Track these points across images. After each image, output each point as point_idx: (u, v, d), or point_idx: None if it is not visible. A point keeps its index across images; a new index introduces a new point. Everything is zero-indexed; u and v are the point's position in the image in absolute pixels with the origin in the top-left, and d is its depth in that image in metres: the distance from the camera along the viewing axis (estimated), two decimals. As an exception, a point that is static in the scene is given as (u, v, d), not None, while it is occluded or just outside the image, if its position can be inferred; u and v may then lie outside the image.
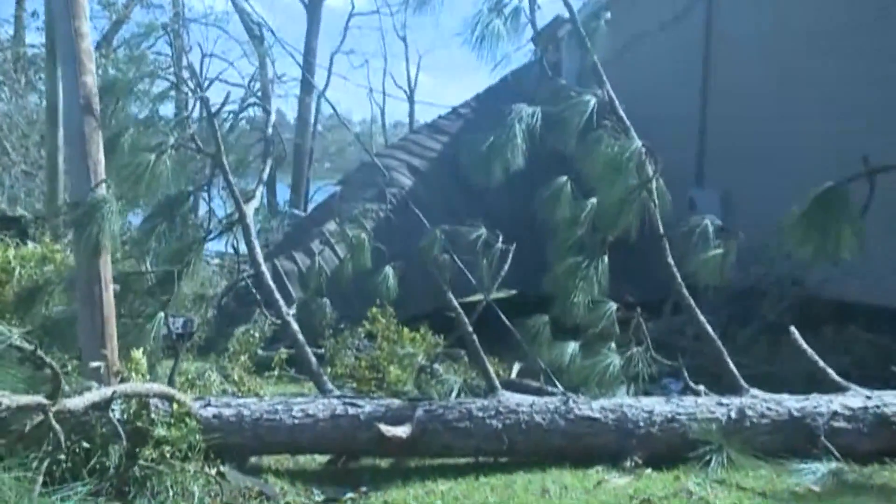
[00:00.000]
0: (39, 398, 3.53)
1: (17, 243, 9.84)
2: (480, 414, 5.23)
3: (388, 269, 7.72)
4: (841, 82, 8.99)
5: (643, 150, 5.64)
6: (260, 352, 8.23)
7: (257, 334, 8.07)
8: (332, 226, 10.54)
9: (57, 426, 3.64)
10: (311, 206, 21.75)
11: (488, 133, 6.13)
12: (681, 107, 11.81)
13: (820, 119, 9.31)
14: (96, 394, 3.96)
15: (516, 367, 6.97)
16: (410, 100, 33.26)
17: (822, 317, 8.40)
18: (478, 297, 7.11)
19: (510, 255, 6.91)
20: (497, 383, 5.48)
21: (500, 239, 6.88)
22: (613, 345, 5.99)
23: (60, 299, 6.71)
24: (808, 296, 8.78)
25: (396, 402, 5.29)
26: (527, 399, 5.39)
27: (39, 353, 3.48)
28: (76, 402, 3.81)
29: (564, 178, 6.29)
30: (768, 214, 7.05)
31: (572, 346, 6.10)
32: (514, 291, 9.39)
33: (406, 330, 7.33)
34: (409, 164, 11.65)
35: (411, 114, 33.67)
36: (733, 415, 5.29)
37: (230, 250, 9.88)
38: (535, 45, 7.84)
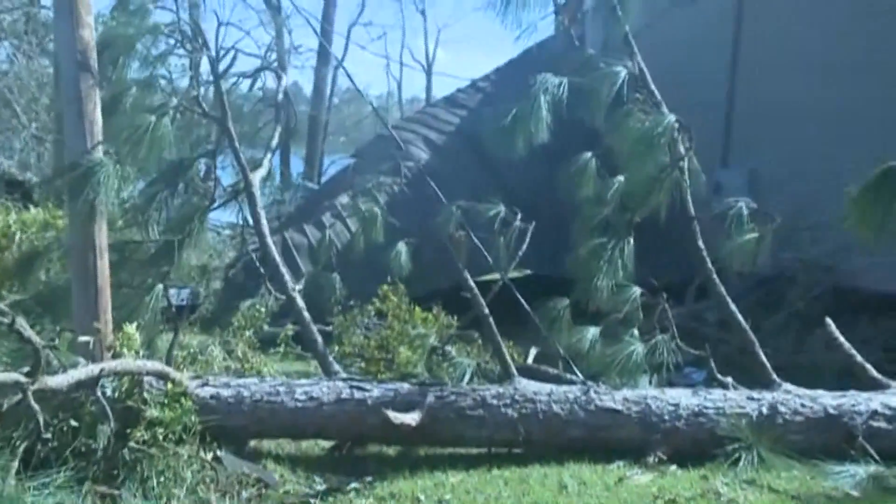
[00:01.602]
0: (17, 375, 3.24)
1: (19, 208, 9.59)
2: (495, 402, 4.91)
3: (402, 245, 7.37)
4: (874, 62, 8.57)
5: (676, 125, 5.27)
6: (266, 327, 7.94)
7: (263, 309, 7.75)
8: (344, 199, 10.21)
9: (36, 406, 3.35)
10: (324, 180, 21.48)
11: (510, 105, 5.78)
12: (707, 84, 11.38)
13: (852, 97, 8.91)
14: (82, 371, 3.66)
15: (532, 351, 6.63)
16: (428, 74, 32.83)
17: (855, 307, 8.04)
18: (492, 276, 6.81)
19: (529, 234, 6.56)
20: (513, 370, 5.16)
21: (519, 217, 6.53)
22: (636, 331, 5.66)
23: (61, 266, 6.43)
24: (839, 284, 8.42)
25: (406, 386, 4.98)
26: (545, 387, 5.07)
27: (17, 325, 3.17)
28: (59, 380, 3.52)
29: (589, 153, 5.94)
30: (798, 196, 6.65)
31: (592, 332, 5.77)
32: (528, 272, 9.08)
33: (418, 309, 7.00)
34: (425, 137, 11.30)
35: (428, 88, 33.23)
36: (765, 410, 4.95)
37: (241, 221, 9.64)
38: (558, 17, 7.44)
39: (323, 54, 22.93)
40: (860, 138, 8.74)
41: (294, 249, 9.48)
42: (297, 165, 22.90)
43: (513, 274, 6.67)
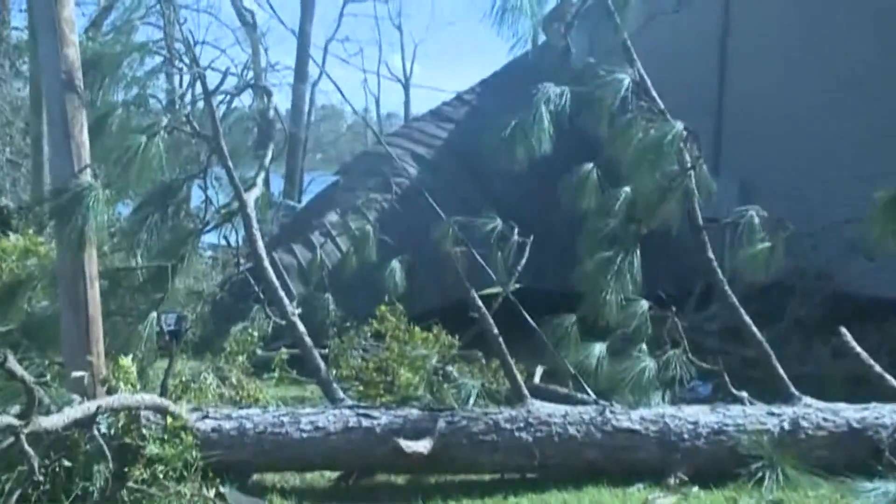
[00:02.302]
0: (9, 419, 3.01)
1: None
2: (508, 426, 4.72)
3: (395, 263, 7.19)
4: (867, 70, 8.51)
5: (684, 133, 5.12)
6: (259, 351, 7.70)
7: (256, 333, 7.51)
8: (333, 217, 10.01)
9: (29, 450, 3.12)
10: (305, 197, 21.23)
11: (503, 116, 5.62)
12: (696, 92, 11.30)
13: (844, 105, 8.84)
14: (78, 409, 3.44)
15: (539, 370, 6.43)
16: (406, 88, 32.72)
17: (856, 313, 7.92)
18: (489, 291, 6.63)
19: (527, 248, 6.40)
20: (525, 391, 4.97)
21: (516, 231, 6.35)
22: (645, 346, 5.50)
23: (44, 295, 6.16)
24: (839, 291, 8.31)
25: (415, 412, 4.77)
26: (559, 409, 4.88)
27: (9, 364, 2.94)
28: (54, 421, 3.29)
29: (590, 164, 5.79)
30: (791, 205, 6.52)
31: (599, 348, 5.59)
32: (518, 285, 8.94)
33: (418, 329, 6.79)
34: (412, 152, 11.12)
35: (407, 102, 33.16)
36: (786, 426, 4.79)
37: (223, 242, 9.38)
38: (554, 25, 7.32)
39: (300, 71, 22.75)
40: (852, 146, 8.68)
41: (283, 270, 9.24)
42: (277, 183, 22.66)
43: (496, 290, 6.48)
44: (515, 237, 6.33)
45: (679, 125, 5.07)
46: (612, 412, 4.85)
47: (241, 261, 12.87)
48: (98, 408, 3.58)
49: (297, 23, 22.92)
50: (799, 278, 8.56)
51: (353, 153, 29.31)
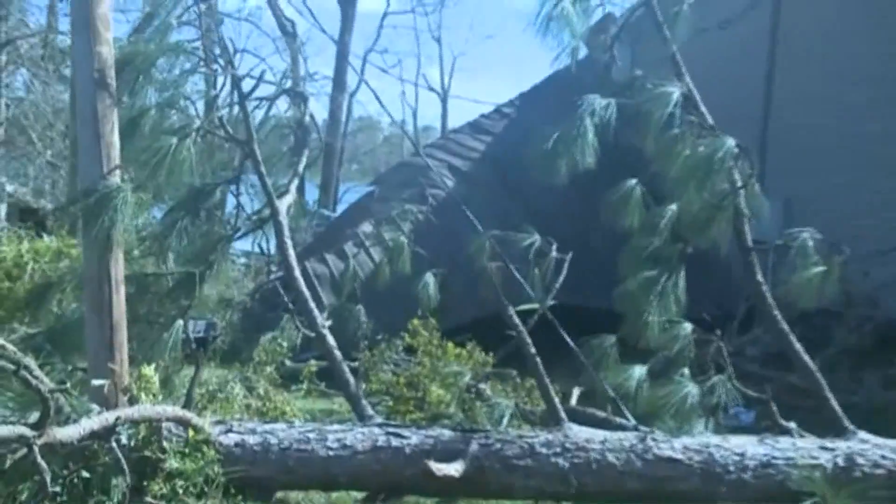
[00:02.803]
0: (22, 429, 2.85)
1: (32, 236, 9.28)
2: (544, 450, 4.49)
3: (429, 276, 6.98)
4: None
5: (736, 150, 4.89)
6: (288, 362, 7.56)
7: (285, 343, 7.36)
8: (367, 227, 9.88)
9: (42, 463, 2.95)
10: (339, 207, 21.19)
11: (547, 129, 5.42)
12: (741, 110, 11.02)
13: (890, 123, 8.54)
14: (95, 420, 3.28)
15: (575, 392, 6.20)
16: (444, 101, 32.66)
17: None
18: (524, 308, 6.44)
19: (565, 265, 6.17)
20: (563, 414, 4.75)
21: (554, 247, 6.13)
22: (687, 370, 5.26)
23: (74, 298, 6.06)
24: (889, 319, 7.99)
25: (447, 432, 4.56)
26: (597, 434, 4.65)
27: (23, 373, 2.79)
28: (70, 432, 3.13)
29: (634, 180, 5.56)
30: (836, 227, 6.27)
31: (639, 371, 5.34)
32: (552, 302, 8.74)
33: (451, 345, 6.60)
34: (450, 164, 10.96)
35: (444, 115, 33.11)
36: (840, 462, 4.51)
37: (257, 249, 9.26)
38: (586, 42, 7.13)
39: (338, 81, 22.74)
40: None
41: (315, 280, 9.12)
42: (311, 192, 22.64)
43: (534, 305, 6.28)
44: (553, 253, 6.11)
45: (731, 141, 4.84)
46: (653, 440, 4.61)
47: (273, 269, 12.79)
48: (117, 419, 3.43)
49: (337, 33, 23.00)
50: (846, 305, 8.25)
51: (388, 164, 29.33)
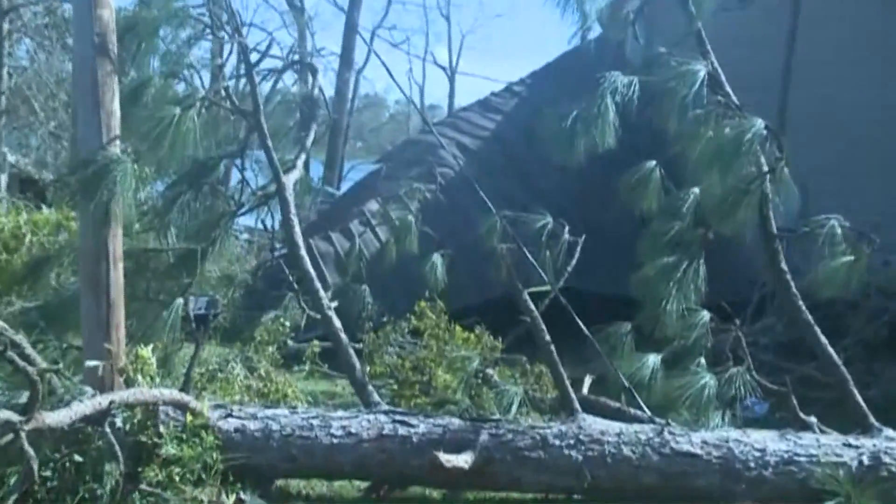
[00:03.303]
0: (8, 414, 2.66)
1: (31, 208, 9.09)
2: (557, 442, 4.31)
3: (437, 257, 6.78)
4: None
5: (764, 131, 4.67)
6: (290, 342, 7.38)
7: (288, 323, 7.16)
8: (373, 206, 9.66)
9: (30, 450, 2.77)
10: (344, 185, 20.95)
11: (561, 107, 5.20)
12: (757, 92, 10.76)
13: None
14: (88, 404, 3.10)
15: (587, 380, 6.01)
16: (451, 79, 32.30)
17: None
18: (534, 290, 6.25)
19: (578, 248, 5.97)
20: (577, 405, 4.56)
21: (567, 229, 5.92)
22: (703, 360, 5.08)
23: (72, 272, 5.89)
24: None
25: (456, 422, 4.38)
26: (612, 426, 4.46)
27: (11, 352, 2.60)
28: (60, 417, 2.95)
29: (653, 162, 5.35)
30: (854, 213, 6.06)
31: (653, 360, 5.16)
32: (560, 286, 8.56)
33: (459, 328, 6.40)
34: (458, 142, 10.71)
35: (451, 94, 32.74)
36: (865, 460, 4.33)
37: (260, 225, 9.04)
38: (599, 20, 6.89)
39: (346, 58, 22.42)
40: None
41: (320, 258, 8.91)
42: (316, 170, 22.39)
43: (539, 288, 6.09)
44: (566, 236, 5.91)
45: (759, 122, 4.62)
46: (671, 433, 4.43)
47: (276, 246, 12.56)
48: (111, 403, 3.25)
49: (346, 8, 22.67)
50: (864, 295, 8.04)
51: (394, 143, 29.03)
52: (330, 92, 22.41)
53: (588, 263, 6.62)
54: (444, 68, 31.99)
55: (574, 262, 5.90)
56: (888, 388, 6.89)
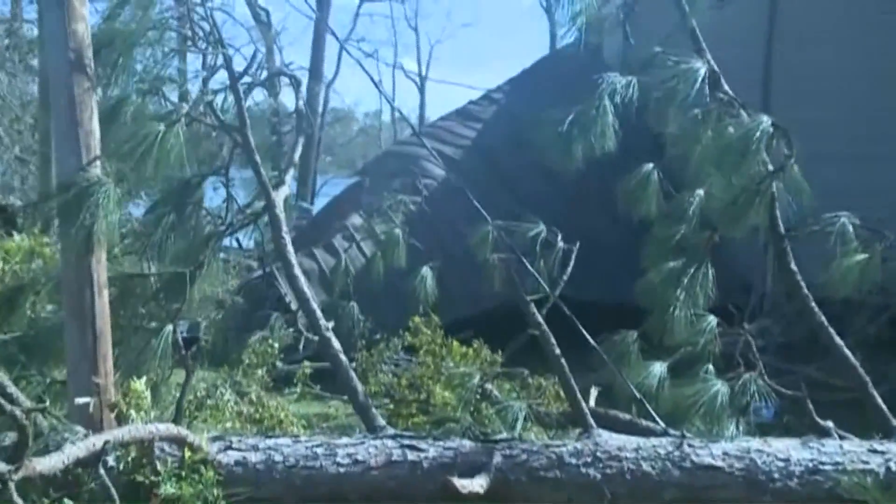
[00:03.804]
0: (-4, 463, 2.41)
1: (1, 235, 8.78)
2: (573, 461, 4.11)
3: (426, 270, 6.58)
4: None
5: (771, 129, 4.52)
6: (279, 363, 7.14)
7: (277, 344, 6.93)
8: (356, 220, 9.46)
9: (19, 502, 2.51)
10: (318, 200, 20.72)
11: (547, 112, 5.03)
12: (739, 83, 10.69)
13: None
14: (81, 446, 2.86)
15: (593, 392, 5.83)
16: (421, 90, 32.18)
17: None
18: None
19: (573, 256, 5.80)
20: (591, 420, 4.37)
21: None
22: (711, 367, 4.93)
23: (50, 300, 5.60)
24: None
25: (467, 444, 4.17)
26: (630, 441, 4.27)
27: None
28: (52, 463, 2.71)
29: (651, 165, 5.21)
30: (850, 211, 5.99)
31: (659, 367, 5.00)
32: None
33: (456, 343, 6.22)
34: (440, 151, 10.53)
35: (422, 104, 32.59)
36: (893, 466, 4.17)
37: (242, 243, 8.78)
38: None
39: (315, 71, 22.23)
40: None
41: (304, 275, 8.68)
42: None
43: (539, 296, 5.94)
44: (560, 244, 5.74)
45: (766, 119, 4.48)
46: (690, 445, 4.24)
47: (255, 265, 12.30)
48: (105, 443, 3.01)
49: (312, 23, 22.48)
50: (866, 293, 7.95)
51: (365, 157, 28.81)
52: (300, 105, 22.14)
53: (579, 271, 6.47)
54: (413, 80, 31.84)
55: (569, 270, 5.74)
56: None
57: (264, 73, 5.36)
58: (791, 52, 9.95)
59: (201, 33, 4.37)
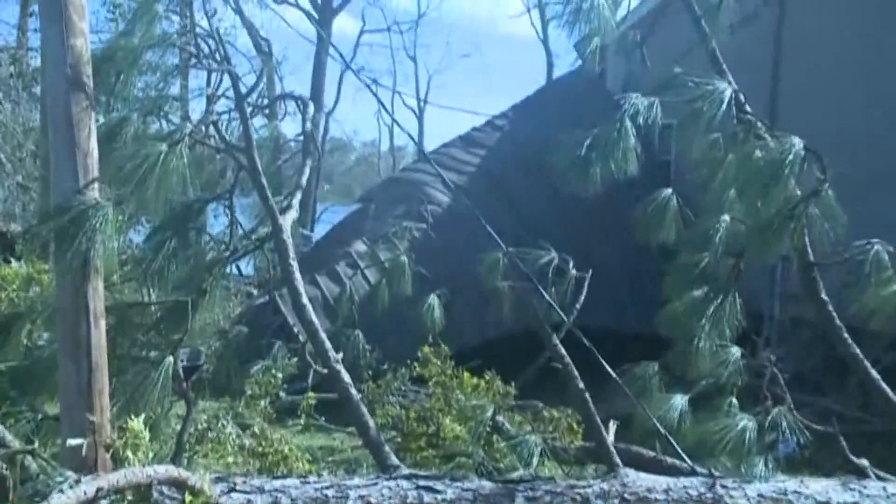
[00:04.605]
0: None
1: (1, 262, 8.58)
2: (600, 503, 3.87)
3: (433, 298, 6.38)
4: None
5: (803, 152, 4.32)
6: (282, 394, 6.91)
7: (280, 374, 6.68)
8: (360, 246, 9.24)
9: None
10: (318, 227, 20.54)
11: (568, 135, 4.82)
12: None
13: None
14: (72, 495, 2.60)
15: (612, 427, 5.58)
16: (420, 119, 32.14)
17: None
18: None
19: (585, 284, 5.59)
20: (617, 459, 4.13)
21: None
22: (735, 400, 4.70)
23: (46, 329, 5.37)
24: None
25: (487, 485, 3.93)
26: (659, 482, 4.04)
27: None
28: (42, 512, 2.45)
29: (669, 190, 5.02)
30: (860, 231, 5.80)
31: (681, 400, 4.77)
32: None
33: (467, 374, 5.98)
34: (444, 178, 10.35)
35: (420, 133, 32.50)
36: (940, 510, 3.93)
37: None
38: (578, 51, 6.58)
39: (315, 100, 22.14)
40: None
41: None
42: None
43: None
44: (573, 272, 5.53)
45: (798, 143, 4.27)
46: (723, 486, 4.01)
47: (256, 292, 12.05)
48: (98, 490, 2.76)
49: (312, 55, 22.53)
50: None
51: (364, 184, 28.70)
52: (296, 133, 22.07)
53: (586, 296, 6.29)
54: (412, 108, 31.82)
55: (582, 298, 5.53)
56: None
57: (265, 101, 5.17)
58: (798, 77, 9.79)
59: (206, 50, 4.15)
